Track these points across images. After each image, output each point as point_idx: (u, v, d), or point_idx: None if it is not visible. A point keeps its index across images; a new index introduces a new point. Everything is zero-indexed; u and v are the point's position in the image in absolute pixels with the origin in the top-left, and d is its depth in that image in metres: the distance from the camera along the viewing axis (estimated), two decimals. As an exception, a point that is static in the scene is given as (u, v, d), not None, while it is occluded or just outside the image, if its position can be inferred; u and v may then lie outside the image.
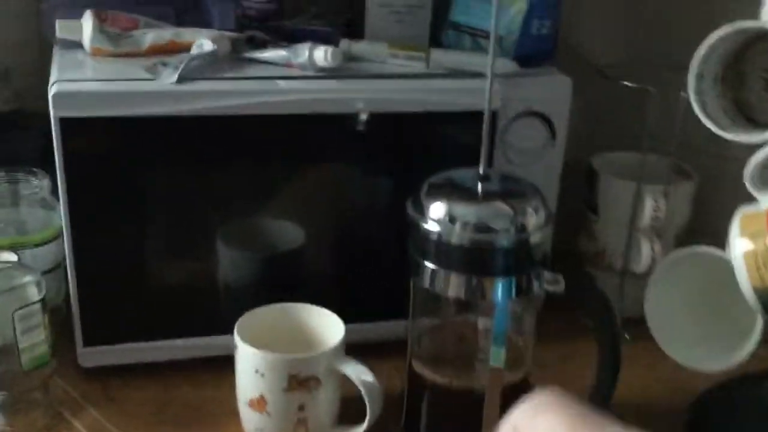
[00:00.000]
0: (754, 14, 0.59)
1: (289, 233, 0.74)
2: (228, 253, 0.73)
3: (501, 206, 0.58)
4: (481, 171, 0.60)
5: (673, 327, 0.70)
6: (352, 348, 0.65)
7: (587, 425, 0.24)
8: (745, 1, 0.60)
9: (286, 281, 0.75)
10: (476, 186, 0.60)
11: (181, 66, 0.68)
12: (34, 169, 0.77)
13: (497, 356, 0.58)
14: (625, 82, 0.80)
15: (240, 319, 0.64)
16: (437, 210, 0.58)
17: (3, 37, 0.87)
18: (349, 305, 0.71)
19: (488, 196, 0.60)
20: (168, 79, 0.67)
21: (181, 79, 0.67)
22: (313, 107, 0.68)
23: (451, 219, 0.57)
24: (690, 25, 0.67)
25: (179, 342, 0.73)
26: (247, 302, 0.66)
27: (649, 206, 0.81)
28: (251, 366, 0.61)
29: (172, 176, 0.69)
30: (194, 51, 0.72)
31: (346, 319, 0.66)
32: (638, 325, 0.73)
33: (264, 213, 0.73)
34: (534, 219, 0.58)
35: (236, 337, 0.62)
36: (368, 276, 0.76)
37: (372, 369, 0.63)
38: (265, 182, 0.72)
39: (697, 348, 0.69)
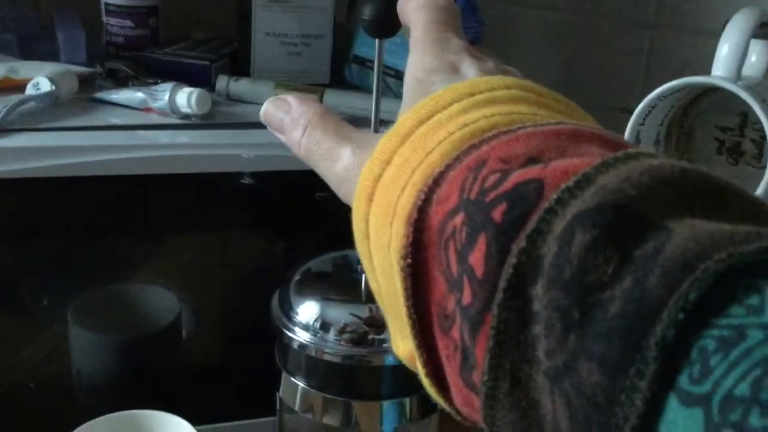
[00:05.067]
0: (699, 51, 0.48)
1: (153, 313, 0.61)
2: (79, 337, 0.59)
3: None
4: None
5: None
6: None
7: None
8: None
9: (149, 371, 0.61)
10: (362, 277, 0.47)
11: (1, 114, 0.54)
12: None
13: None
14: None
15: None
16: (307, 311, 0.45)
17: None
18: (228, 397, 0.61)
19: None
20: (-19, 131, 0.53)
21: (-3, 132, 0.53)
22: (171, 166, 0.55)
23: (324, 325, 0.44)
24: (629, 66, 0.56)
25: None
26: (99, 400, 0.53)
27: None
28: None
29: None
30: (28, 92, 0.59)
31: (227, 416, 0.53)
32: None
33: (122, 289, 0.60)
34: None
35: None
36: (251, 362, 0.63)
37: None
38: (122, 252, 0.59)
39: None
